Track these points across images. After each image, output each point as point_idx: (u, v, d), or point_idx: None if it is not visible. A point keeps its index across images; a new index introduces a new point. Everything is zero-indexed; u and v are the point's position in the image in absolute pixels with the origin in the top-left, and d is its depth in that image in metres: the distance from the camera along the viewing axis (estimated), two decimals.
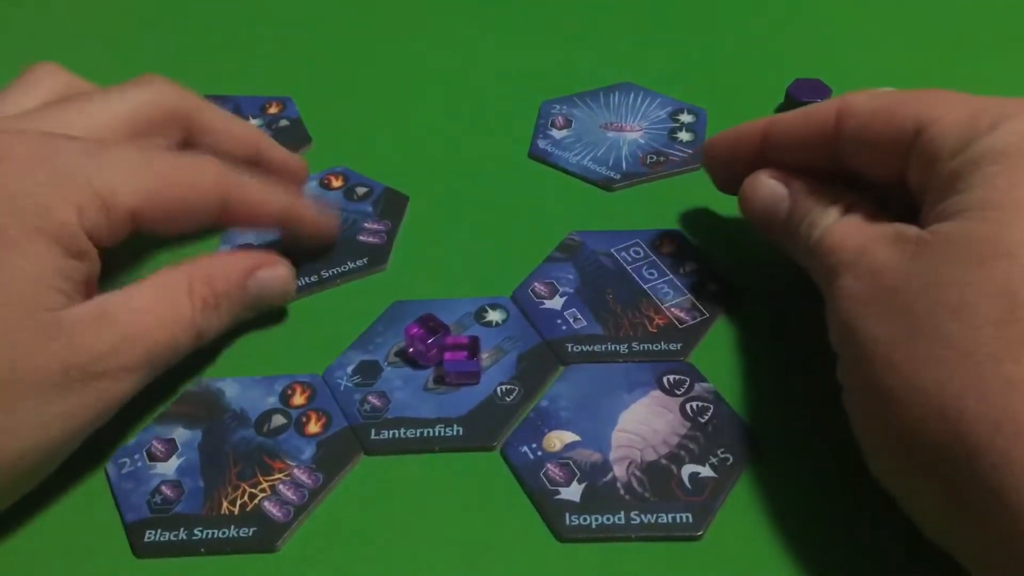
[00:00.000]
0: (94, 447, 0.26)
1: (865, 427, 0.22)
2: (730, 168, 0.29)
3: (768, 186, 0.27)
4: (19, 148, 0.23)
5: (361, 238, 0.32)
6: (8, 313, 0.22)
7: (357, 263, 0.31)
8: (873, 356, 0.20)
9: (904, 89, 0.24)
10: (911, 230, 0.22)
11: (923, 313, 0.20)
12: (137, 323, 0.24)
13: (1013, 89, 0.39)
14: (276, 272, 0.28)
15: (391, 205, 0.34)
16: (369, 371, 0.28)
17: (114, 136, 0.27)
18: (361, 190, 0.34)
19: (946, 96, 0.23)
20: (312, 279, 0.31)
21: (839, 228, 0.24)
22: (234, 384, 0.28)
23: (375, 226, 0.33)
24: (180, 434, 0.26)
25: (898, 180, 0.24)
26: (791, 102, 0.37)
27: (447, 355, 0.27)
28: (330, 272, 0.31)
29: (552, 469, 0.25)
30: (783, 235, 0.26)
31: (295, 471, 0.25)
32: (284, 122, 0.38)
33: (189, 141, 0.30)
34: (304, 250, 0.31)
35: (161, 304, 0.25)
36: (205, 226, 0.27)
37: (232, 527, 0.24)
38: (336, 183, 0.35)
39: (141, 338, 0.24)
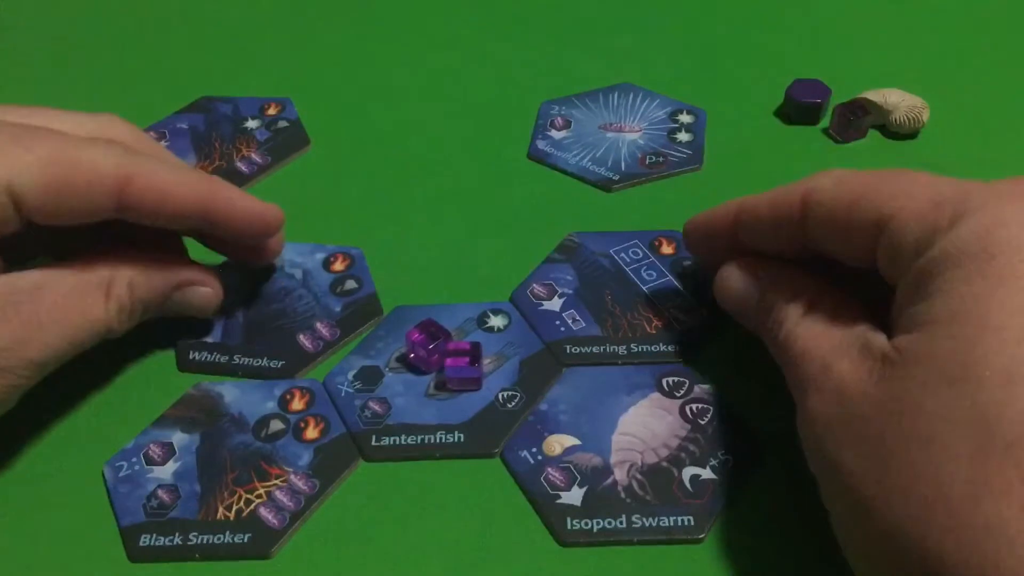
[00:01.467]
0: (92, 450, 0.25)
1: (851, 554, 0.20)
2: (710, 252, 0.28)
3: (736, 278, 0.26)
4: None
5: (301, 337, 0.29)
6: None
7: (271, 364, 0.28)
8: (848, 487, 0.19)
9: (870, 171, 0.23)
10: (877, 342, 0.20)
11: (894, 444, 0.18)
12: (43, 317, 0.23)
13: (1013, 88, 0.38)
14: (202, 292, 0.27)
15: (361, 314, 0.30)
16: (370, 377, 0.28)
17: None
18: (350, 284, 0.30)
19: (909, 183, 0.21)
20: (222, 358, 0.28)
21: (803, 332, 0.23)
22: (233, 388, 0.27)
23: (324, 331, 0.29)
24: (178, 438, 0.26)
25: (869, 264, 0.22)
26: (791, 102, 0.37)
27: (448, 361, 0.27)
28: (242, 361, 0.28)
29: (552, 473, 0.25)
30: (755, 328, 0.25)
31: (292, 477, 0.25)
32: (283, 123, 0.38)
33: (121, 206, 0.26)
34: (242, 253, 0.28)
35: (74, 299, 0.24)
36: (104, 215, 0.24)
37: (227, 533, 0.24)
38: (338, 265, 0.31)
39: (45, 333, 0.23)
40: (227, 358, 0.28)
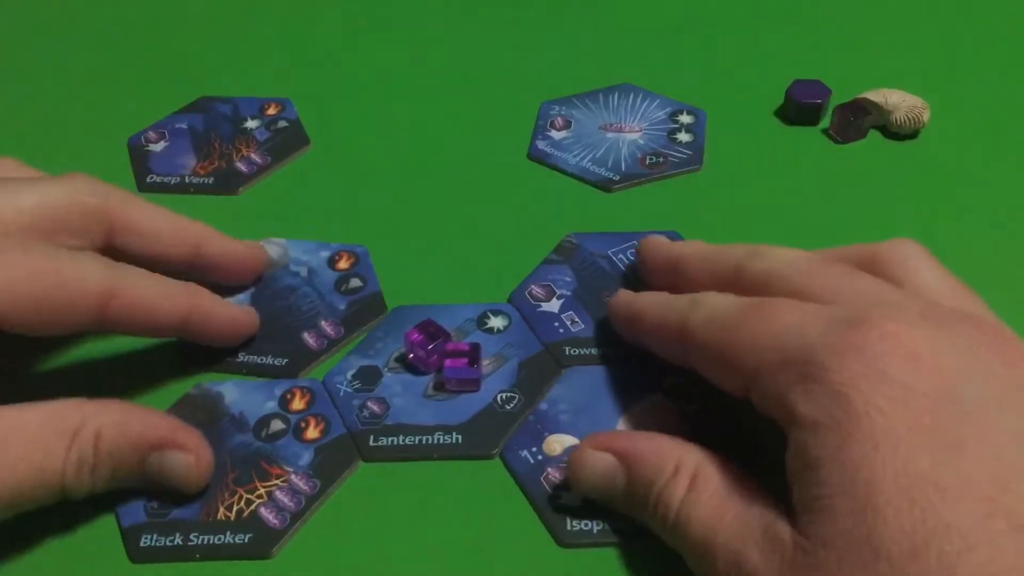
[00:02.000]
0: None
1: None
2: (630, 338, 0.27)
3: (594, 459, 0.23)
4: None
5: (305, 335, 0.29)
6: None
7: (275, 362, 0.28)
8: None
9: (738, 307, 0.22)
10: (780, 527, 0.19)
11: None
12: None
13: (1013, 88, 0.38)
14: (183, 458, 0.24)
15: (365, 312, 0.29)
16: (369, 376, 0.27)
17: (19, 229, 0.24)
18: (355, 283, 0.30)
19: (762, 335, 0.21)
20: (225, 356, 0.28)
21: (697, 514, 0.21)
22: (234, 388, 0.27)
23: (329, 329, 0.29)
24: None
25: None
26: (791, 103, 0.37)
27: (447, 362, 0.26)
28: (246, 358, 0.28)
29: (553, 473, 0.25)
30: (630, 512, 0.23)
31: (292, 477, 0.25)
32: (283, 123, 0.37)
33: (111, 243, 0.26)
34: (213, 343, 0.28)
35: (31, 448, 0.22)
36: (84, 329, 0.24)
37: (228, 533, 0.24)
38: (342, 264, 0.31)
39: None
40: (232, 355, 0.28)
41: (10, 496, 0.22)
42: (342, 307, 0.30)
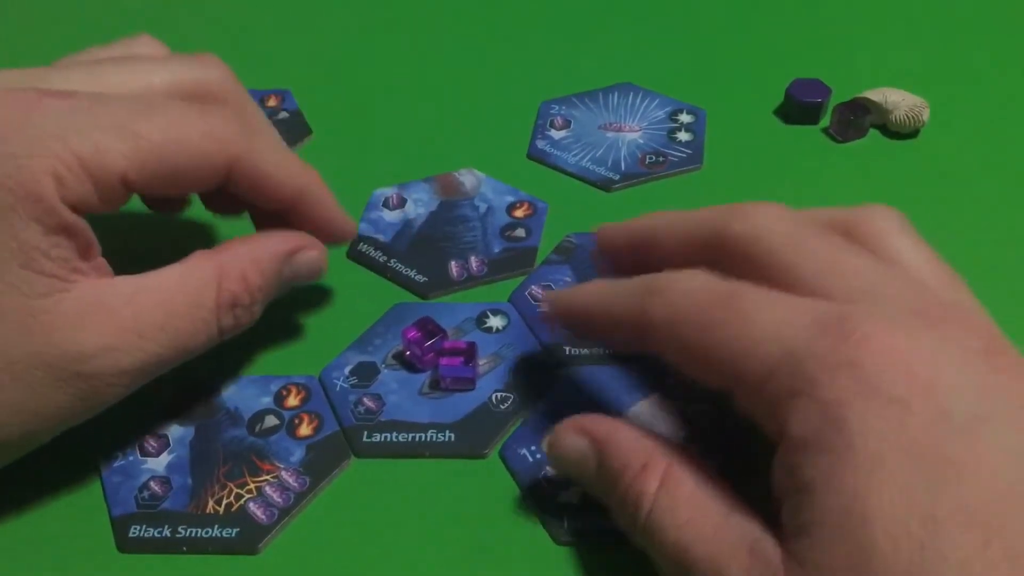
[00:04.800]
0: (88, 439, 0.24)
1: None
2: (578, 330, 0.25)
3: (569, 440, 0.21)
4: (1, 110, 0.20)
5: (452, 264, 0.29)
6: None
7: (416, 278, 0.29)
8: None
9: (700, 304, 0.19)
10: (767, 546, 0.17)
11: None
12: (142, 324, 0.21)
13: (1013, 88, 0.37)
14: (311, 255, 0.25)
15: (520, 260, 0.30)
16: (366, 372, 0.26)
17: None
18: (519, 232, 0.31)
19: (740, 340, 0.18)
20: (381, 257, 0.29)
21: (672, 519, 0.19)
22: (230, 382, 0.26)
23: (474, 266, 0.29)
24: (173, 430, 0.25)
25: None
26: (791, 101, 0.36)
27: (443, 360, 0.25)
28: (396, 266, 0.29)
29: (551, 472, 0.24)
30: (598, 497, 0.21)
31: (283, 473, 0.24)
32: (283, 114, 0.37)
33: (229, 176, 0.25)
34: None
35: (179, 304, 0.22)
36: (208, 189, 0.24)
37: (216, 527, 0.23)
38: (518, 212, 0.31)
39: (144, 341, 0.21)
40: (385, 259, 0.30)
41: (169, 351, 0.22)
42: (496, 250, 0.30)
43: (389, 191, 0.32)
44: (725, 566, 0.18)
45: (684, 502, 0.19)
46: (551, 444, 0.22)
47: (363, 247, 0.30)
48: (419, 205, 0.32)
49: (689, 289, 0.20)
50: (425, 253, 0.30)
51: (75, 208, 0.21)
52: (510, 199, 0.32)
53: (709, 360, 0.19)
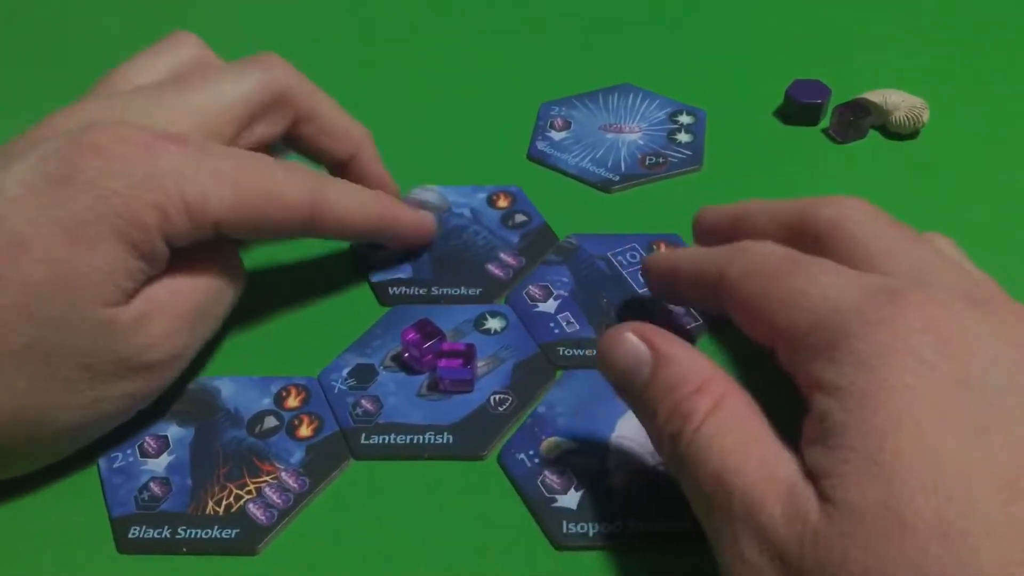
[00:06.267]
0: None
1: None
2: (658, 290, 0.26)
3: (629, 342, 0.21)
4: (119, 147, 0.22)
5: (489, 267, 0.29)
6: (71, 307, 0.21)
7: (470, 291, 0.29)
8: None
9: (779, 258, 0.21)
10: (806, 493, 0.17)
11: None
12: (187, 310, 0.23)
13: (1013, 88, 0.36)
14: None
15: (539, 242, 0.30)
16: (364, 375, 0.26)
17: (223, 122, 0.25)
18: (520, 218, 0.31)
19: (797, 294, 0.19)
20: (420, 291, 0.29)
21: (717, 446, 0.18)
22: (230, 384, 0.26)
23: (510, 259, 0.29)
24: (173, 431, 0.25)
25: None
26: (791, 102, 0.35)
27: (441, 362, 0.25)
28: (441, 291, 0.29)
29: (549, 476, 0.23)
30: (639, 411, 0.21)
31: (282, 474, 0.24)
32: None
33: (295, 129, 0.28)
34: (395, 247, 0.29)
35: (206, 266, 0.24)
36: (288, 237, 0.26)
37: (215, 528, 0.23)
38: (501, 202, 0.32)
39: (191, 325, 0.24)
40: (425, 290, 0.29)
41: (211, 332, 0.25)
42: (515, 240, 0.30)
43: None
44: (762, 500, 0.17)
45: (733, 429, 0.19)
46: (607, 343, 0.21)
47: (394, 291, 0.28)
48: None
49: (766, 251, 0.21)
50: (456, 270, 0.29)
51: (168, 240, 0.22)
52: (483, 196, 0.32)
53: (764, 310, 0.20)
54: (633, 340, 0.21)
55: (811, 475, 0.18)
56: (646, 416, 0.21)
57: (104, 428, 0.24)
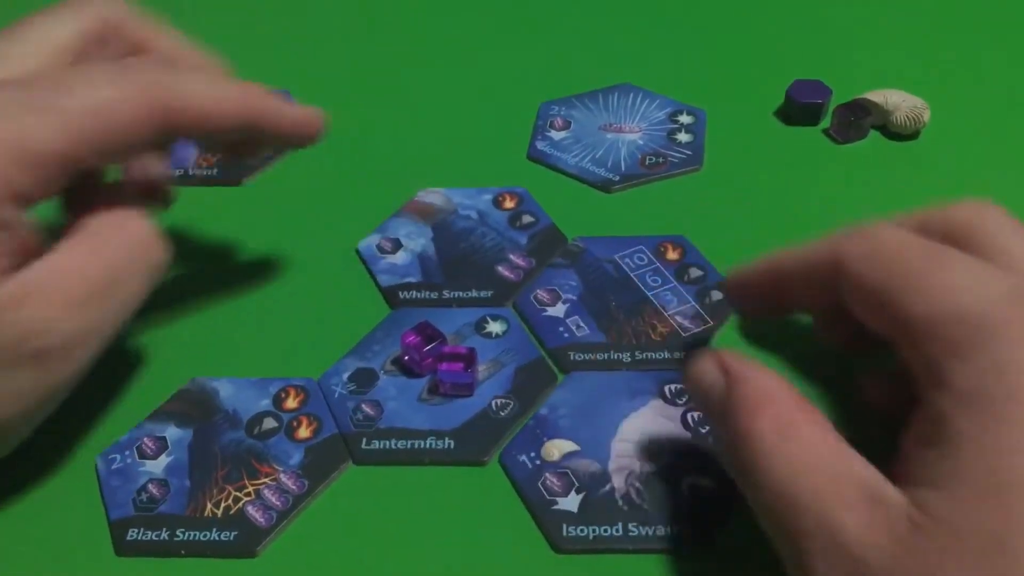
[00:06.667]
0: (86, 440, 0.24)
1: None
2: (755, 309, 0.25)
3: (705, 368, 0.21)
4: None
5: (499, 269, 0.29)
6: None
7: (481, 294, 0.28)
8: None
9: (906, 243, 0.20)
10: (890, 494, 0.17)
11: None
12: (77, 293, 0.21)
13: (1014, 89, 0.36)
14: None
15: (548, 243, 0.30)
16: (365, 379, 0.26)
17: (54, 62, 0.23)
18: (527, 219, 0.31)
19: (936, 283, 0.18)
20: (431, 295, 0.28)
21: (784, 461, 0.18)
22: (228, 385, 0.26)
23: (519, 261, 0.29)
24: (171, 432, 0.24)
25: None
26: (791, 103, 0.35)
27: (442, 365, 0.25)
28: (452, 294, 0.28)
29: (550, 479, 0.23)
30: (717, 423, 0.21)
31: (281, 476, 0.23)
32: None
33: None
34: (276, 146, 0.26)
35: (102, 240, 0.21)
36: (146, 148, 0.22)
37: (214, 530, 0.22)
38: (508, 203, 0.31)
39: (74, 299, 0.21)
40: (437, 294, 0.28)
41: (115, 317, 0.22)
42: (524, 241, 0.30)
43: (374, 239, 0.30)
44: (839, 516, 0.17)
45: (803, 446, 0.18)
46: (688, 372, 0.22)
47: (404, 295, 0.28)
48: (415, 238, 0.30)
49: (894, 234, 0.20)
50: (466, 273, 0.29)
51: (15, 200, 0.20)
52: (488, 197, 0.32)
53: (893, 297, 0.19)
54: (709, 364, 0.21)
55: (905, 478, 0.17)
56: (723, 430, 0.20)
57: (9, 431, 0.21)
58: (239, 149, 0.27)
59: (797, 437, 0.18)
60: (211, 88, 0.23)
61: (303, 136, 0.25)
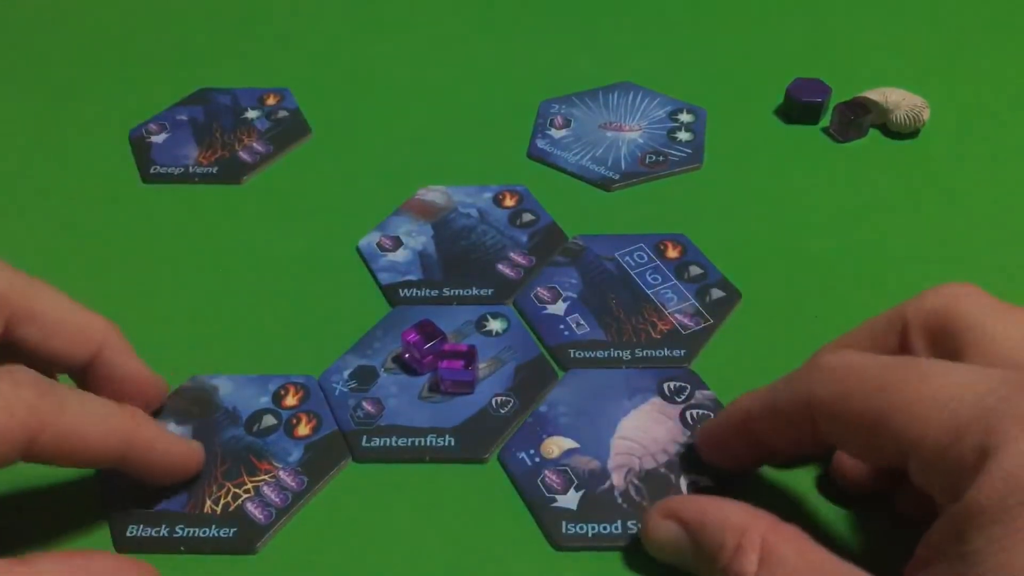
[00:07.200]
0: None
1: None
2: (729, 461, 0.23)
3: (661, 527, 0.20)
4: None
5: (500, 267, 0.28)
6: None
7: (481, 292, 0.28)
8: None
9: (866, 371, 0.18)
10: None
11: None
12: None
13: (1013, 88, 0.36)
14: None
15: (548, 241, 0.30)
16: (365, 376, 0.25)
17: None
18: (527, 217, 0.30)
19: (920, 401, 0.17)
20: (432, 293, 0.28)
21: None
22: (228, 382, 0.26)
23: (520, 259, 0.29)
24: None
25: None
26: (791, 101, 0.34)
27: (443, 363, 0.24)
28: (453, 292, 0.28)
29: (550, 476, 0.23)
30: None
31: (280, 473, 0.23)
32: (283, 112, 0.36)
33: (10, 334, 0.22)
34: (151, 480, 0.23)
35: None
36: (8, 463, 0.19)
37: (213, 527, 0.22)
38: (508, 202, 0.31)
39: None
40: (437, 292, 0.28)
41: None
42: (524, 239, 0.30)
43: (374, 236, 0.30)
44: None
45: (790, 570, 0.17)
46: (644, 532, 0.21)
47: (405, 293, 0.28)
48: (416, 235, 0.30)
49: (853, 362, 0.19)
50: (466, 271, 0.28)
51: None
52: (489, 195, 0.31)
53: (882, 428, 0.17)
54: (663, 523, 0.20)
55: None
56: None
57: None
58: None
59: (786, 569, 0.17)
60: (89, 415, 0.20)
61: (175, 475, 0.23)
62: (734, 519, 0.19)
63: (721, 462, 0.23)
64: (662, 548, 0.20)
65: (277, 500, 0.22)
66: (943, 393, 0.17)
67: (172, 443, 0.22)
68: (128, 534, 0.22)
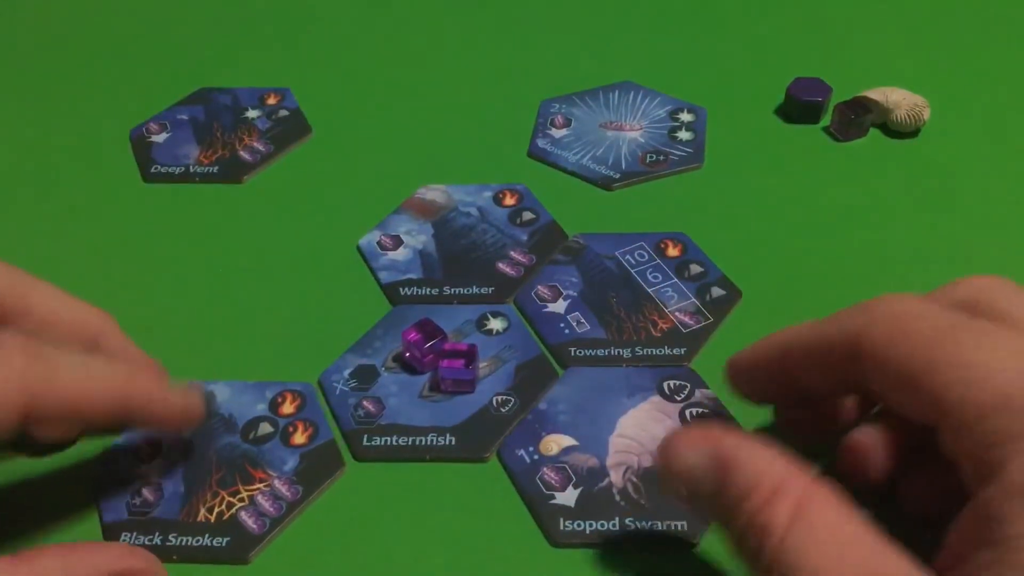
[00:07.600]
0: (81, 445, 0.24)
1: None
2: (759, 393, 0.22)
3: (690, 456, 0.18)
4: None
5: (500, 265, 0.28)
6: None
7: (482, 291, 0.28)
8: None
9: (927, 321, 0.17)
10: None
11: None
12: None
13: (1014, 87, 0.36)
14: None
15: (548, 239, 0.29)
16: (366, 376, 0.25)
17: None
18: (528, 215, 0.30)
19: (970, 363, 0.16)
20: (432, 291, 0.28)
21: (806, 561, 0.15)
22: (226, 388, 0.25)
23: (520, 258, 0.28)
24: (166, 436, 0.24)
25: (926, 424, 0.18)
26: (792, 100, 0.34)
27: (444, 362, 0.24)
28: (453, 291, 0.27)
29: (548, 473, 0.23)
30: (716, 522, 0.18)
31: (275, 482, 0.23)
32: (283, 112, 0.36)
33: (3, 328, 0.21)
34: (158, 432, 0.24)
35: None
36: (7, 435, 0.19)
37: (207, 535, 0.22)
38: (508, 200, 0.31)
39: None
40: (438, 291, 0.28)
41: None
42: (524, 238, 0.30)
43: (374, 235, 0.30)
44: None
45: (823, 539, 0.16)
46: (664, 455, 0.18)
47: (405, 292, 0.28)
48: (416, 234, 0.30)
49: (915, 308, 0.18)
50: (466, 270, 0.28)
51: None
52: (489, 194, 0.31)
53: (927, 382, 0.17)
54: (693, 450, 0.18)
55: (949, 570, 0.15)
56: (721, 524, 0.18)
57: None
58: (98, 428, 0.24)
59: (821, 530, 0.16)
60: (82, 375, 0.20)
61: (176, 425, 0.23)
62: (776, 465, 0.17)
63: (747, 393, 0.21)
64: (679, 474, 0.18)
65: (271, 509, 0.22)
66: (995, 360, 0.16)
67: (170, 392, 0.22)
68: (121, 542, 0.21)
